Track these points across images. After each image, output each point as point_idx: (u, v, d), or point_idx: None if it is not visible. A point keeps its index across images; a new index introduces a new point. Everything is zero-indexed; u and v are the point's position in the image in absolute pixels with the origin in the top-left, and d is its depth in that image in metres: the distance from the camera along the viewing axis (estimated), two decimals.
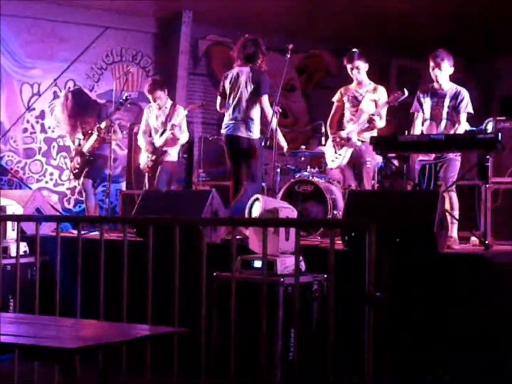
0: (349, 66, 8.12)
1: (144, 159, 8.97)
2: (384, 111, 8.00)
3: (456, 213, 7.18)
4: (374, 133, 8.00)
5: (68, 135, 9.77)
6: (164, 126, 8.89)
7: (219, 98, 8.14)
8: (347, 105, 8.15)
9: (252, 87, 7.79)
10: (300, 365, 4.32)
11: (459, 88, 7.47)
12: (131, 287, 4.70)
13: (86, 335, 3.37)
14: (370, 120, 7.94)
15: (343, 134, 8.03)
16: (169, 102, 9.09)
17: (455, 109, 7.39)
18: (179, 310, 4.47)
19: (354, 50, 8.16)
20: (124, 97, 9.01)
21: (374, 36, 11.63)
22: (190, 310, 4.56)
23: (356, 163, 8.05)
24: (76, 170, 9.36)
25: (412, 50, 11.53)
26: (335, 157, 8.10)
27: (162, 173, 8.80)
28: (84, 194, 9.44)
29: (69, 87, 10.58)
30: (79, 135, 9.39)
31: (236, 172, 7.95)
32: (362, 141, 7.97)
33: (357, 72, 8.07)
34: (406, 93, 7.75)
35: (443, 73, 7.40)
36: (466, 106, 7.36)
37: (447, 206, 6.82)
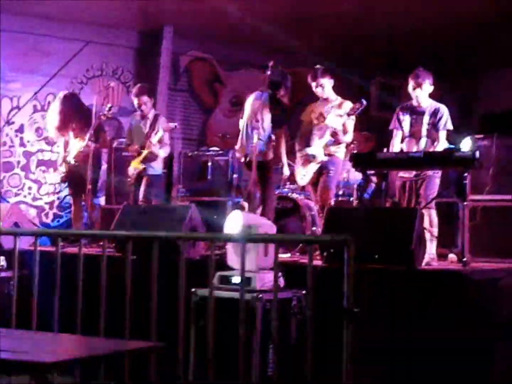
0: (313, 84, 8.12)
1: (131, 169, 8.94)
2: (350, 125, 8.00)
3: (435, 230, 7.20)
4: (341, 147, 8.03)
5: (54, 135, 9.65)
6: (147, 135, 8.84)
7: None
8: (315, 121, 8.16)
9: None
10: (278, 381, 4.31)
11: (438, 105, 7.50)
12: (109, 302, 4.68)
13: (63, 350, 3.35)
14: (334, 135, 7.91)
15: (309, 151, 8.02)
16: (153, 112, 9.08)
17: (434, 126, 7.42)
18: (157, 326, 4.46)
19: (317, 67, 8.17)
20: (107, 108, 9.01)
21: (355, 53, 11.69)
22: (168, 326, 4.55)
23: (319, 175, 8.03)
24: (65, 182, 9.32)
25: (393, 68, 11.60)
26: (303, 175, 8.10)
27: (147, 188, 8.76)
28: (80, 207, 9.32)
29: (51, 93, 10.50)
30: (70, 140, 9.26)
31: None
32: (330, 154, 7.97)
33: (321, 89, 8.08)
34: (364, 103, 7.74)
35: (423, 92, 7.44)
36: (446, 123, 7.40)
37: (426, 223, 6.85)
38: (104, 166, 10.83)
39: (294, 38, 11.45)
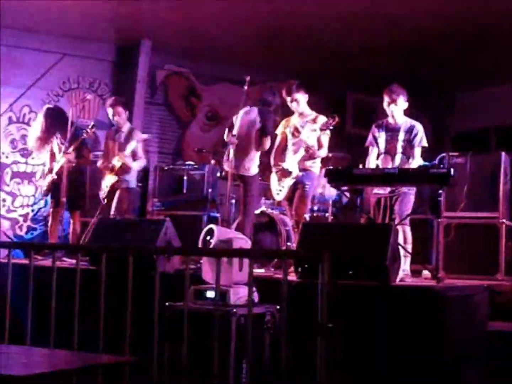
0: (288, 99, 8.13)
1: (104, 183, 8.90)
2: (325, 139, 8.02)
3: (409, 246, 7.23)
4: (317, 162, 8.04)
5: (36, 150, 9.60)
6: (121, 147, 8.82)
7: None
8: (289, 136, 8.17)
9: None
10: None
11: (413, 122, 7.55)
12: (83, 315, 4.67)
13: (35, 363, 3.33)
14: (307, 150, 7.92)
15: (285, 166, 8.04)
16: (128, 126, 9.06)
17: (409, 143, 7.46)
18: (131, 339, 4.45)
19: (292, 81, 8.19)
20: (90, 126, 9.01)
21: (330, 69, 11.75)
22: (142, 340, 4.54)
23: (294, 190, 8.01)
24: (50, 193, 9.26)
25: (367, 84, 11.67)
26: (279, 190, 8.10)
27: (120, 201, 8.73)
28: (58, 221, 9.23)
29: (26, 105, 10.42)
30: (55, 150, 9.21)
31: None
32: (305, 169, 7.99)
33: (296, 104, 8.09)
34: (337, 118, 7.76)
35: (398, 108, 7.49)
36: (420, 141, 7.44)
37: (400, 239, 6.87)
38: None
39: (270, 54, 11.50)
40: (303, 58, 11.66)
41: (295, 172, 7.90)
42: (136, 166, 8.88)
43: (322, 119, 8.01)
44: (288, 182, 7.97)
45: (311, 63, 11.64)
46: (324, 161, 8.32)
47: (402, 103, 7.48)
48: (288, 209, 8.11)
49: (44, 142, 9.20)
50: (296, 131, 8.10)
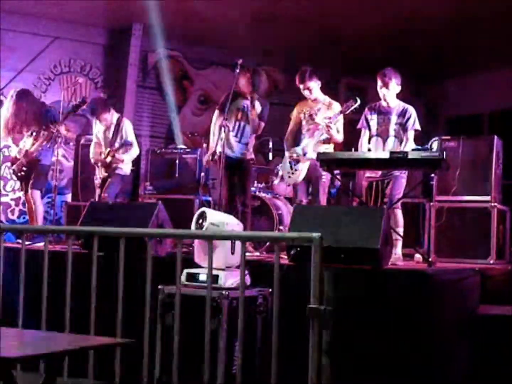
0: (301, 86, 8.11)
1: (98, 173, 8.87)
2: (340, 125, 8.01)
3: (400, 230, 7.25)
4: (330, 147, 8.03)
5: (5, 139, 9.56)
6: (111, 142, 8.79)
7: None
8: (303, 121, 8.17)
9: None
10: (243, 379, 4.32)
11: (406, 105, 7.54)
12: (75, 298, 4.67)
13: (27, 345, 3.33)
14: (327, 129, 7.88)
15: (299, 150, 8.03)
16: (116, 117, 9.00)
17: (402, 126, 7.46)
18: (123, 322, 4.45)
19: (305, 68, 8.14)
20: (81, 100, 8.95)
21: (323, 53, 11.72)
22: (134, 323, 4.54)
23: (312, 178, 8.02)
24: (22, 173, 9.13)
25: (361, 69, 11.65)
26: (292, 173, 8.09)
27: (111, 186, 8.71)
28: (33, 205, 9.18)
29: (16, 88, 10.37)
30: (24, 138, 9.17)
31: None
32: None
33: (309, 92, 8.06)
34: (359, 101, 7.75)
35: (390, 92, 7.48)
36: (414, 124, 7.44)
37: (392, 223, 6.88)
38: (70, 163, 10.79)
39: (261, 38, 11.47)
40: (296, 42, 11.63)
41: (310, 154, 7.89)
42: (128, 158, 8.86)
43: (337, 105, 8.03)
44: (304, 165, 7.95)
45: (304, 47, 11.61)
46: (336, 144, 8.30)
47: (395, 86, 7.46)
48: (299, 190, 8.07)
49: (15, 127, 9.13)
50: (310, 117, 8.10)
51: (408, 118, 7.44)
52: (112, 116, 8.91)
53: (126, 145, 8.79)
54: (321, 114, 8.03)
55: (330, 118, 7.85)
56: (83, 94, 11.77)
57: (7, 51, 11.13)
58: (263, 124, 8.45)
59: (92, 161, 8.95)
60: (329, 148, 8.03)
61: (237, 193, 8.28)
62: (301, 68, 8.19)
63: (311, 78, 8.04)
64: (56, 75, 11.81)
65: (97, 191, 8.79)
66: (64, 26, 11.59)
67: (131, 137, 8.87)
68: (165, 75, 12.25)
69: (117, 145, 8.73)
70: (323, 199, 7.99)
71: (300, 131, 8.17)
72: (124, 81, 11.87)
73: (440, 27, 10.73)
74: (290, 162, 8.11)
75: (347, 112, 7.82)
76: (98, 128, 8.98)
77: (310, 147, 7.94)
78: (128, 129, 8.83)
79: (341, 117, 7.91)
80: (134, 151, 8.94)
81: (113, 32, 12.14)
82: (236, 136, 8.34)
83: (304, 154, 7.96)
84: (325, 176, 7.93)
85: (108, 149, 8.74)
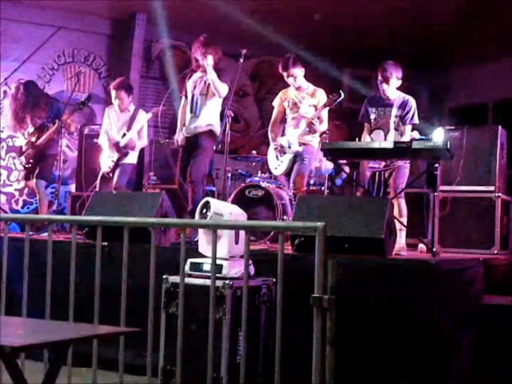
0: (284, 74, 8.09)
1: (106, 158, 8.86)
2: (325, 114, 7.99)
3: (404, 220, 7.25)
4: (316, 136, 8.03)
5: (12, 130, 9.60)
6: (125, 128, 8.80)
7: None
8: (287, 110, 8.15)
9: None
10: (247, 369, 4.32)
11: (407, 97, 7.51)
12: (79, 288, 4.67)
13: (31, 334, 3.33)
14: (310, 125, 7.91)
15: (283, 141, 8.02)
16: (132, 107, 8.98)
17: (401, 119, 7.45)
18: (126, 312, 4.46)
19: (288, 55, 8.12)
20: (86, 97, 8.97)
21: (328, 44, 11.70)
22: (138, 312, 4.55)
23: (293, 164, 8.02)
24: (30, 165, 9.15)
25: (365, 59, 11.62)
26: (278, 164, 8.10)
27: (121, 175, 8.71)
28: (37, 195, 9.22)
29: (21, 79, 10.34)
30: (29, 129, 9.21)
31: None
32: (304, 144, 7.97)
33: (293, 80, 8.04)
34: (342, 95, 7.74)
35: (391, 86, 7.45)
36: (412, 118, 7.40)
37: (395, 213, 6.88)
38: (74, 153, 10.79)
39: (266, 28, 11.44)
40: (300, 33, 11.60)
41: (295, 147, 7.90)
42: (139, 145, 8.90)
43: (321, 93, 8.00)
44: (288, 156, 7.97)
45: (308, 37, 11.58)
46: (322, 133, 8.30)
47: (395, 81, 7.43)
48: (286, 183, 8.11)
49: (23, 120, 9.17)
50: (294, 106, 8.08)
51: (408, 111, 7.40)
52: (129, 103, 8.91)
53: (139, 137, 8.81)
54: (306, 102, 8.01)
55: (315, 112, 7.85)
56: (86, 84, 11.77)
57: (11, 41, 11.13)
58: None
59: (103, 146, 8.91)
60: (315, 136, 8.02)
61: None
62: (285, 55, 8.17)
63: (295, 64, 8.00)
64: (60, 65, 11.80)
65: (99, 178, 8.79)
66: (68, 16, 11.58)
67: (144, 129, 8.90)
68: (169, 65, 12.23)
69: (132, 131, 8.74)
70: (301, 182, 7.93)
71: (284, 120, 8.15)
72: (128, 71, 11.86)
73: (445, 16, 10.70)
74: (275, 154, 8.11)
75: (331, 106, 7.81)
76: (111, 114, 8.95)
77: (295, 138, 7.93)
78: (142, 121, 8.82)
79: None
80: (143, 143, 8.96)
81: (117, 22, 12.12)
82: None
83: (289, 146, 7.95)
84: (307, 159, 7.92)
85: (123, 132, 8.74)
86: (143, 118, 8.87)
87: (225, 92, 7.91)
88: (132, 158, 8.86)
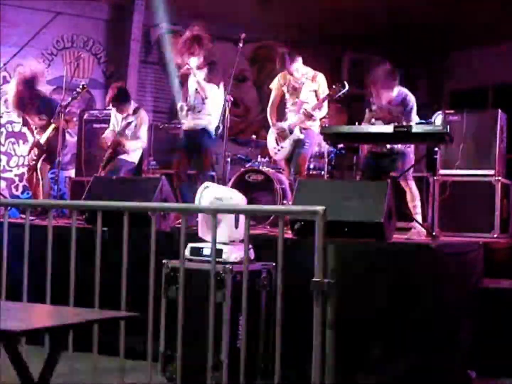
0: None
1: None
2: (324, 102, 7.97)
3: (418, 204, 7.23)
4: (317, 122, 8.00)
5: (12, 110, 9.58)
6: (122, 130, 8.74)
7: None
8: (287, 95, 8.12)
9: None
10: (247, 353, 4.34)
11: (405, 93, 7.35)
12: (80, 273, 4.68)
13: (32, 318, 3.34)
14: (309, 115, 7.87)
15: (285, 126, 8.01)
16: (133, 106, 8.90)
17: (402, 114, 7.38)
18: (127, 297, 4.46)
19: (281, 52, 8.02)
20: (81, 86, 8.93)
21: (327, 28, 11.66)
22: (138, 297, 4.56)
23: (294, 148, 8.01)
24: (33, 162, 9.14)
25: (365, 44, 11.60)
26: (278, 149, 8.09)
27: (116, 169, 8.65)
28: (40, 180, 9.17)
29: (22, 71, 10.29)
30: (33, 128, 9.22)
31: None
32: (305, 128, 7.96)
33: (296, 73, 7.99)
34: (347, 86, 7.70)
35: (391, 94, 7.34)
36: (411, 112, 7.31)
37: (408, 198, 6.95)
38: (73, 138, 10.77)
39: (266, 12, 11.40)
40: (300, 17, 11.56)
41: (297, 133, 7.89)
42: (134, 146, 8.81)
43: (321, 78, 7.96)
44: (288, 141, 7.96)
45: (308, 22, 11.55)
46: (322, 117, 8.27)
47: (395, 90, 7.31)
48: (286, 167, 8.11)
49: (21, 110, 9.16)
50: (293, 89, 8.05)
51: (408, 109, 7.28)
52: (128, 108, 8.84)
53: (134, 137, 8.75)
54: (306, 88, 7.98)
55: (317, 101, 7.85)
56: (86, 70, 11.75)
57: (9, 27, 11.08)
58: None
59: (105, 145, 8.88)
60: (315, 121, 8.00)
61: None
62: (278, 53, 8.10)
63: (292, 60, 7.93)
64: (59, 50, 11.76)
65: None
66: (66, 1, 11.53)
67: (142, 131, 8.83)
68: (168, 50, 12.19)
69: (128, 131, 8.70)
70: (301, 167, 7.93)
71: (284, 104, 8.12)
72: (127, 56, 11.83)
73: (445, 0, 10.66)
74: (276, 139, 8.10)
75: (335, 97, 7.77)
76: (116, 117, 8.90)
77: (296, 124, 7.91)
78: (141, 122, 8.78)
79: (326, 91, 7.86)
80: (141, 143, 8.84)
81: (116, 7, 12.08)
82: None
83: (291, 132, 7.94)
84: (308, 144, 7.90)
85: (119, 137, 8.70)
86: (143, 118, 8.79)
87: (212, 94, 7.87)
88: (132, 157, 8.82)
